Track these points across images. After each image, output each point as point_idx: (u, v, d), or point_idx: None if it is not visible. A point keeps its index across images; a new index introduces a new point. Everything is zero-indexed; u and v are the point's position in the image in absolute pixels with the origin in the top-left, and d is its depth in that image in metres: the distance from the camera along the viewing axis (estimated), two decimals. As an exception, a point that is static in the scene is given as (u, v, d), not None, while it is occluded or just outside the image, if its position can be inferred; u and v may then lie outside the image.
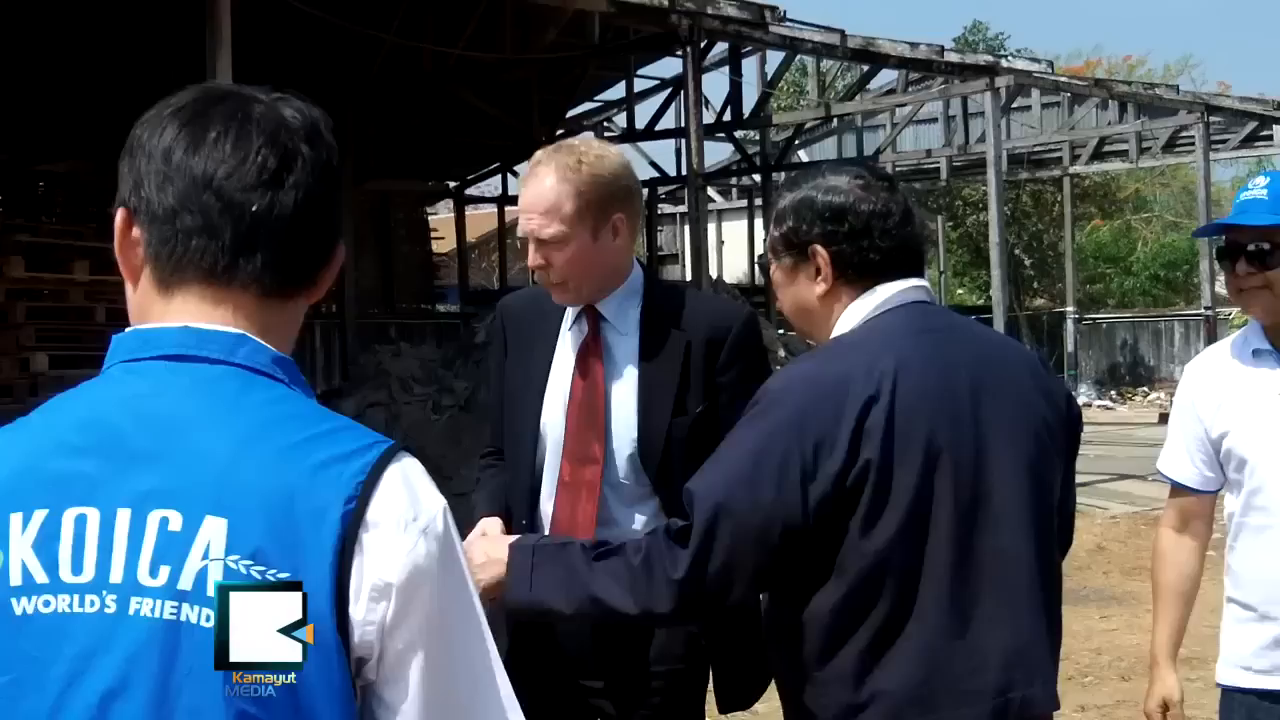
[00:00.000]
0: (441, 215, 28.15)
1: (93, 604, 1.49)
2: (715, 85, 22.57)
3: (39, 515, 1.51)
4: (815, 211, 2.71)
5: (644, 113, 22.69)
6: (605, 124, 24.24)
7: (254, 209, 1.61)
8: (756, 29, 16.26)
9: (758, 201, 25.02)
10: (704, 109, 17.84)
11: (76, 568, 1.50)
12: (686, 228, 22.68)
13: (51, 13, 13.75)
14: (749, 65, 22.26)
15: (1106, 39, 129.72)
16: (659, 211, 27.71)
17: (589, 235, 3.29)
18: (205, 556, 1.50)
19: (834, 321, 2.71)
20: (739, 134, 23.89)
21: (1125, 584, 11.04)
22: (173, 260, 1.64)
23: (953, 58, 18.64)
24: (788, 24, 16.62)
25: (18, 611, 1.50)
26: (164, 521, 1.49)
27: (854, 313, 2.68)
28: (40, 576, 1.50)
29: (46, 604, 1.50)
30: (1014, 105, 26.59)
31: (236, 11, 11.27)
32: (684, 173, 19.99)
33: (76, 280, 13.73)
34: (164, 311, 1.65)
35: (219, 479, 1.50)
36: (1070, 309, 30.36)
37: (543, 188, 3.33)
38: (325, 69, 18.06)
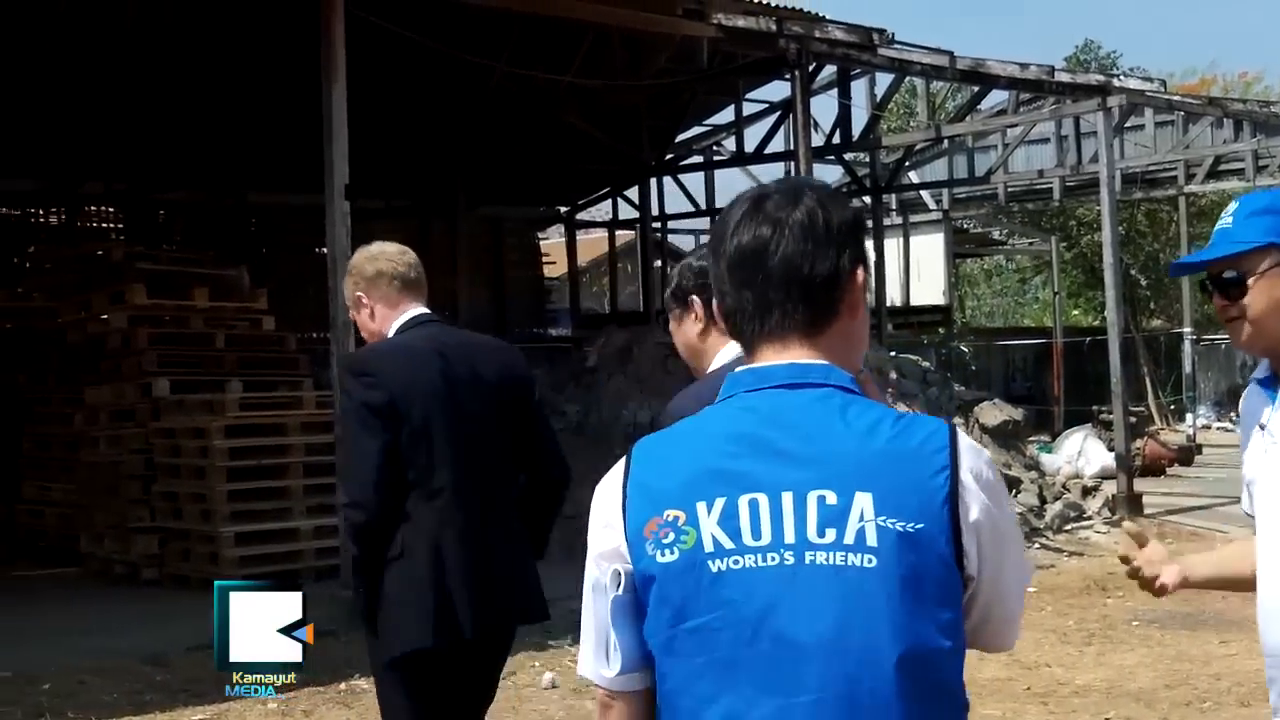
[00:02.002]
0: (553, 240, 28.34)
1: (773, 559, 2.12)
2: (825, 108, 22.60)
3: (719, 502, 2.14)
4: (693, 271, 3.62)
5: (753, 136, 22.70)
6: (714, 148, 24.29)
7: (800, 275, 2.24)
8: (864, 51, 16.26)
9: (868, 224, 24.92)
10: (813, 131, 17.87)
11: (755, 535, 2.13)
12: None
13: (172, 49, 14.07)
14: (858, 87, 22.22)
15: (1222, 55, 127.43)
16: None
17: None
18: (861, 519, 2.11)
19: (712, 356, 3.41)
20: (849, 156, 23.83)
21: (1244, 609, 10.84)
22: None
23: (1063, 78, 18.48)
24: (896, 46, 16.60)
25: (714, 570, 2.13)
26: (821, 499, 2.12)
27: (729, 351, 3.30)
28: (727, 544, 2.13)
29: (735, 563, 2.13)
30: (1127, 124, 26.29)
31: (350, 42, 11.46)
32: (793, 196, 19.93)
33: (196, 306, 14.02)
34: (754, 356, 2.28)
35: (857, 465, 2.13)
36: (1188, 330, 29.89)
37: None
38: (437, 98, 18.32)
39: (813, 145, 17.39)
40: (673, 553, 2.15)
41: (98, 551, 13.57)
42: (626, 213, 25.13)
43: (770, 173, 25.10)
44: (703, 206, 24.85)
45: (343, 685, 8.87)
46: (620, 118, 21.24)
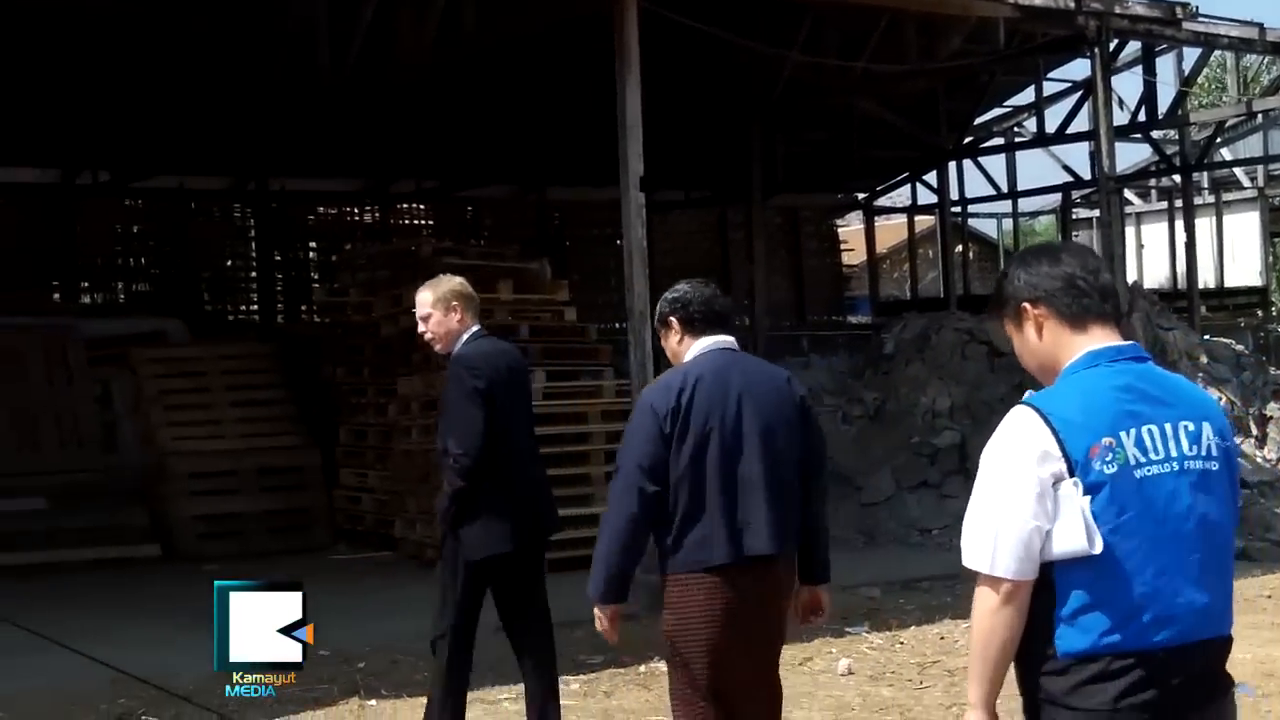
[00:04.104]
0: (852, 227, 28.21)
1: (1170, 467, 3.22)
2: (1131, 84, 21.94)
3: (1131, 431, 3.20)
4: (667, 303, 5.41)
5: (1055, 115, 22.19)
6: (1015, 129, 23.83)
7: (1104, 284, 3.42)
8: (1167, 26, 15.76)
9: (1178, 203, 24.09)
10: (1118, 109, 17.40)
11: (1155, 452, 3.21)
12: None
13: (478, 52, 14.48)
14: (1164, 63, 21.49)
15: None
16: (1073, 216, 27.03)
17: None
18: (1208, 440, 3.28)
19: (685, 355, 5.34)
20: (1156, 134, 23.08)
21: None
22: (1078, 313, 3.36)
23: (1386, 44, 17.59)
24: (1201, 20, 16.04)
25: (1137, 476, 3.18)
26: (1185, 427, 3.25)
27: (693, 350, 5.32)
28: (1142, 458, 3.20)
29: (1149, 471, 3.20)
30: None
31: (644, 37, 11.63)
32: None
33: (501, 299, 14.40)
34: (1084, 339, 3.34)
35: (1198, 405, 3.34)
36: None
37: None
38: (730, 88, 18.43)
39: (1117, 124, 16.91)
40: (1113, 466, 3.17)
41: (411, 536, 14.10)
42: (926, 198, 24.84)
43: (1073, 153, 24.53)
44: (1004, 189, 24.41)
45: (642, 668, 9.03)
46: (917, 102, 21.03)
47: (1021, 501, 3.13)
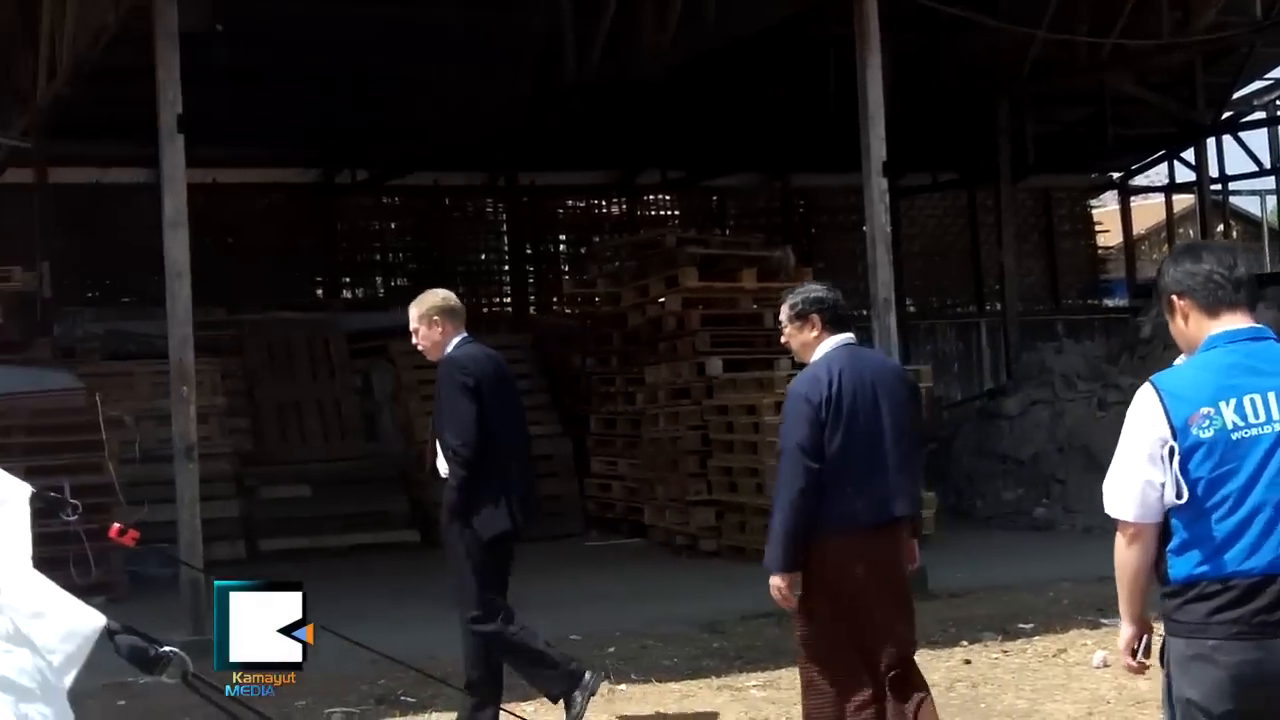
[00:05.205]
0: (1108, 208, 27.54)
1: (1268, 429, 3.73)
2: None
3: (1231, 401, 3.73)
4: (809, 301, 6.13)
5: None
6: (1278, 102, 22.98)
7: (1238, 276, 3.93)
8: None
9: None
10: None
11: (1255, 416, 3.73)
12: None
13: (720, 44, 14.51)
14: None
15: None
16: (1341, 193, 25.94)
17: None
18: None
19: (814, 350, 6.11)
20: None
21: None
22: (1213, 303, 3.90)
23: None
24: None
25: (1234, 438, 3.72)
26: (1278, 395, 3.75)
27: (824, 347, 6.09)
28: (1239, 422, 3.73)
29: (1245, 433, 3.72)
30: None
31: (884, 19, 11.55)
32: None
33: (744, 288, 14.47)
34: (1215, 324, 3.87)
35: None
36: None
37: None
38: (976, 69, 18.16)
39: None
40: (1209, 431, 3.74)
41: (660, 523, 14.26)
42: (1184, 176, 24.11)
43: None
44: (1267, 165, 23.55)
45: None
46: (1171, 78, 20.44)
47: (1137, 461, 3.85)
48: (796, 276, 14.97)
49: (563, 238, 22.54)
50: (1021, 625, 9.70)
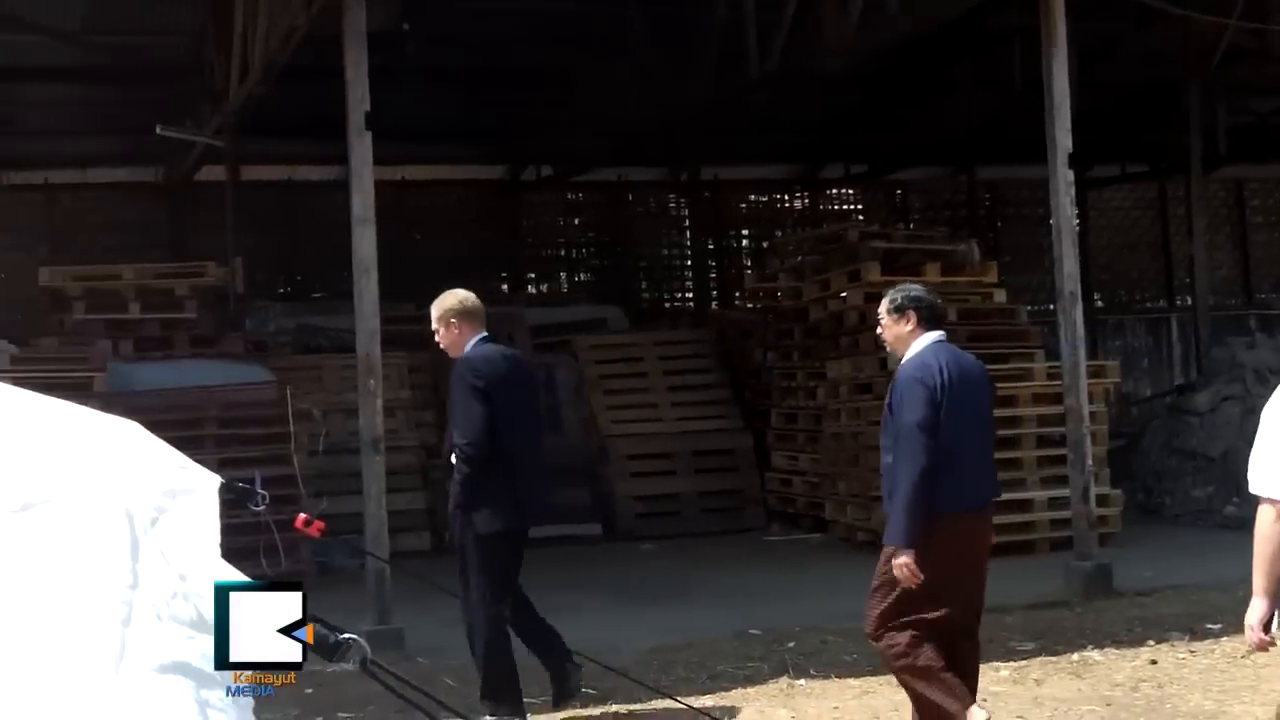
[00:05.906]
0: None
1: None
2: None
3: None
4: (909, 297, 6.61)
5: None
6: None
7: None
8: None
9: None
10: None
11: None
12: None
13: (903, 36, 14.39)
14: None
15: None
16: None
17: None
18: None
19: (908, 345, 6.58)
20: None
21: None
22: None
23: None
24: None
25: None
26: None
27: (920, 343, 6.54)
28: None
29: None
30: None
31: (1071, 8, 11.38)
32: None
33: (928, 282, 14.29)
34: None
35: None
36: None
37: None
38: (1164, 58, 17.74)
39: None
40: None
41: (841, 519, 14.21)
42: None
43: None
44: None
45: (1075, 656, 8.90)
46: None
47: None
48: (982, 270, 14.83)
49: (745, 232, 22.56)
50: (1209, 625, 9.48)
